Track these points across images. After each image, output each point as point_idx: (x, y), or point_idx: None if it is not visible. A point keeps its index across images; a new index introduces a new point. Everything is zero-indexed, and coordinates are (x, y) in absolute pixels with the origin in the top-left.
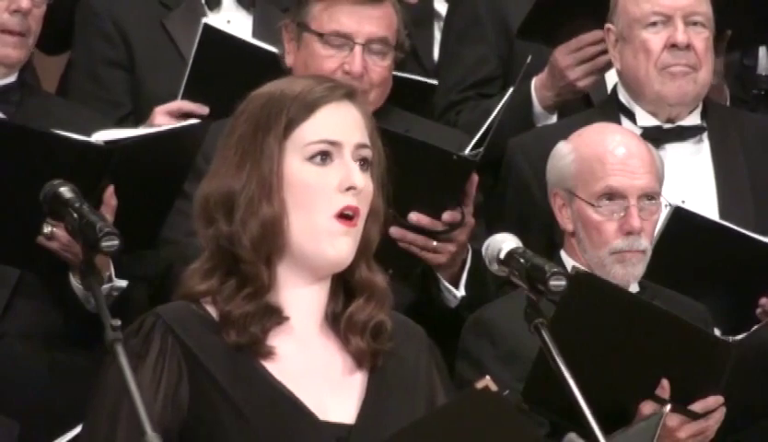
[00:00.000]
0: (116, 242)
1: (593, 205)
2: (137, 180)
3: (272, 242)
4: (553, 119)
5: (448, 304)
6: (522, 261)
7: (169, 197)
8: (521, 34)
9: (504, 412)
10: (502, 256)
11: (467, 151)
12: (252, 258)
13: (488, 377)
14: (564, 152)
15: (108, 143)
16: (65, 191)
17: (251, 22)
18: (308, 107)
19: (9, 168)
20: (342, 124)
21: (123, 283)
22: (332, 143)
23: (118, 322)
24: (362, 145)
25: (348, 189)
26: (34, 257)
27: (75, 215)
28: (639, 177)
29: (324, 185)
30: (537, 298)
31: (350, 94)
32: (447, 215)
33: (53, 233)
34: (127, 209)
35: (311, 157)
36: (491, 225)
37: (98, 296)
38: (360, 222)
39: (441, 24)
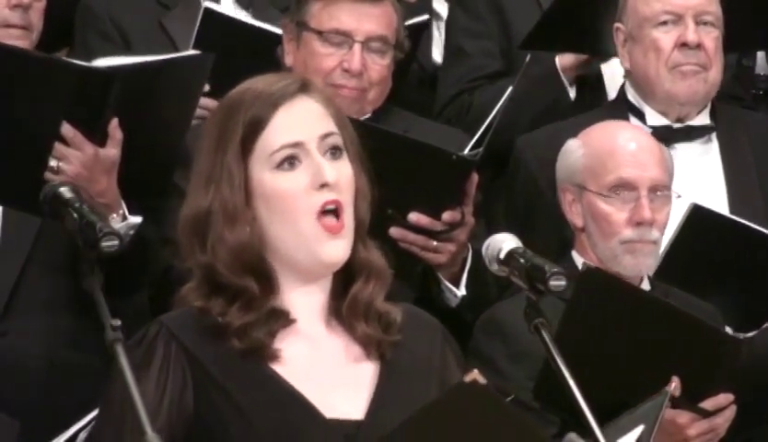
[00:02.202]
0: (116, 242)
1: (603, 196)
2: (141, 114)
3: (248, 261)
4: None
5: (448, 303)
6: (522, 261)
7: (176, 138)
8: (525, 46)
9: (493, 403)
10: (502, 256)
11: (466, 151)
12: (233, 280)
13: (476, 370)
14: (574, 147)
15: (109, 68)
16: (65, 191)
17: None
18: (263, 114)
19: (9, 96)
20: (300, 122)
21: (138, 219)
22: (295, 144)
23: (118, 322)
24: (326, 135)
25: (322, 186)
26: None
27: (75, 215)
28: (650, 169)
29: (297, 188)
30: (537, 298)
31: (303, 86)
32: (447, 215)
33: (60, 167)
34: (133, 147)
35: (279, 165)
36: (497, 221)
37: (97, 296)
38: (347, 216)
39: (440, 24)
